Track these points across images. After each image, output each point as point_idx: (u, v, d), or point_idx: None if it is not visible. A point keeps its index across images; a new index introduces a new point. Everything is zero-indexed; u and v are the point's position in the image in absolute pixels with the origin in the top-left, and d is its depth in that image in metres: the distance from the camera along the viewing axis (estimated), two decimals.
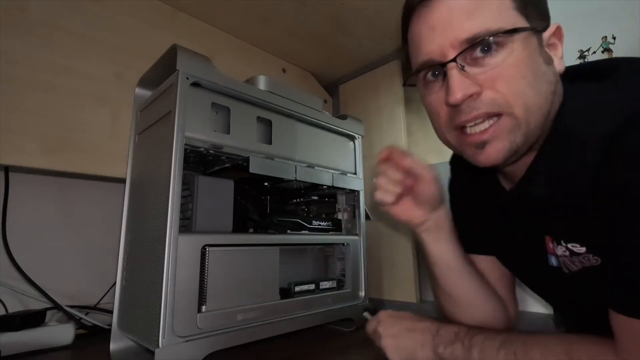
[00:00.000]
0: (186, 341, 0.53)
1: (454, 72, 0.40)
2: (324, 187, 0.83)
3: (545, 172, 0.44)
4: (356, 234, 0.88)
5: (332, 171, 0.82)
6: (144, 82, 0.73)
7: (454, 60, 0.40)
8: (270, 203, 0.95)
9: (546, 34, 0.43)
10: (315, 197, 0.94)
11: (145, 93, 0.72)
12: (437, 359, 0.48)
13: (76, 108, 0.72)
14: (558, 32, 0.44)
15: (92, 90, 0.74)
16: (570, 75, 0.45)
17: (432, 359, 0.49)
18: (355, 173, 0.89)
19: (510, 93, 0.40)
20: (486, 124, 0.41)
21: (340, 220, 0.89)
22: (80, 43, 0.74)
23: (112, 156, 0.74)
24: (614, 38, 0.80)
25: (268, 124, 0.71)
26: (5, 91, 0.64)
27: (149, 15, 0.85)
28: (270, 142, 0.71)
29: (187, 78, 0.58)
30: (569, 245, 0.43)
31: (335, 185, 0.82)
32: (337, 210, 0.94)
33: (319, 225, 0.83)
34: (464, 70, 0.41)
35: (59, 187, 0.81)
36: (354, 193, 0.90)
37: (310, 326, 0.72)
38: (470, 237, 0.59)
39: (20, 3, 0.68)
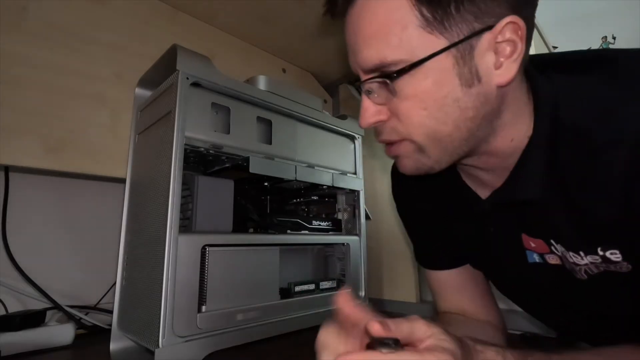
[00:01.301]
0: (186, 341, 0.53)
1: (363, 97, 0.40)
2: (324, 187, 0.83)
3: (541, 174, 0.39)
4: (356, 234, 0.88)
5: (332, 171, 0.82)
6: (144, 82, 0.73)
7: (361, 86, 0.40)
8: (270, 203, 0.95)
9: (489, 36, 0.35)
10: (315, 197, 0.94)
11: (145, 93, 0.72)
12: None
13: (76, 108, 0.71)
14: (513, 27, 0.35)
15: (92, 90, 0.74)
16: (544, 65, 0.40)
17: None
18: (355, 173, 0.89)
19: (409, 124, 0.38)
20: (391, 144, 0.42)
21: (340, 220, 0.89)
22: (80, 43, 0.74)
23: (112, 156, 0.74)
24: (614, 38, 0.79)
25: (268, 124, 0.71)
26: (5, 91, 0.64)
27: (149, 15, 0.85)
28: (270, 142, 0.71)
29: (187, 78, 0.58)
30: (607, 254, 0.38)
31: (335, 185, 0.81)
32: (337, 210, 0.93)
33: (319, 225, 0.83)
34: (372, 95, 0.40)
35: (59, 187, 0.81)
36: (354, 193, 0.90)
37: (310, 326, 0.72)
38: (433, 250, 0.54)
39: (20, 3, 0.68)
